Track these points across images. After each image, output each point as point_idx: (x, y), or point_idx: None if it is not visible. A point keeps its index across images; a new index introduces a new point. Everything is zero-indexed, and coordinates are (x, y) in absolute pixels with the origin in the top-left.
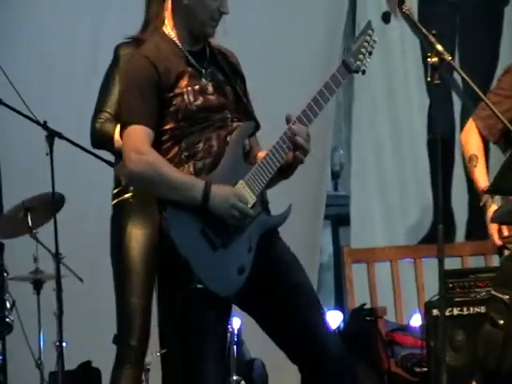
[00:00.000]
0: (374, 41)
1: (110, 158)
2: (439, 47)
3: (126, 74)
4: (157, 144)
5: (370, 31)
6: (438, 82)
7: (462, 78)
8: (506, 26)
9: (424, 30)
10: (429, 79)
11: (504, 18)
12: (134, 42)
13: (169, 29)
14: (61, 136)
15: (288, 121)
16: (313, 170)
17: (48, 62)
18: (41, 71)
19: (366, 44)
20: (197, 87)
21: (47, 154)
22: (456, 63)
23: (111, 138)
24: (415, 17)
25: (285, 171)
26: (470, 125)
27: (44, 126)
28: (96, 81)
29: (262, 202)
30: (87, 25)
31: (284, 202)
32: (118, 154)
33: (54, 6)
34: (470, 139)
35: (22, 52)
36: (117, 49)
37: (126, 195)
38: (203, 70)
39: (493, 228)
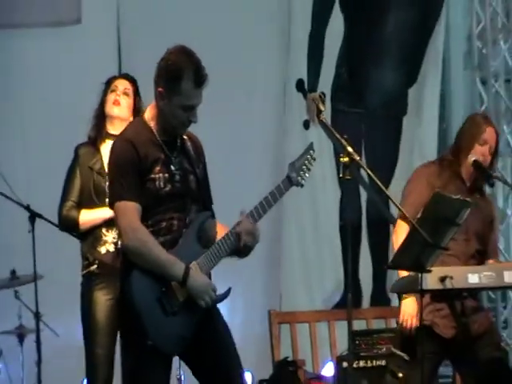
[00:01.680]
0: (314, 159)
1: None
2: (349, 149)
3: (113, 156)
4: None
5: (311, 151)
6: (348, 177)
7: (368, 175)
8: (404, 132)
9: (337, 135)
10: (341, 175)
11: (403, 125)
12: (90, 142)
13: (149, 119)
14: (41, 217)
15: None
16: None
17: (33, 155)
18: (26, 160)
19: (306, 162)
20: (167, 175)
21: (29, 232)
22: (363, 163)
23: (76, 222)
24: (329, 124)
25: (240, 253)
26: (398, 224)
27: (27, 208)
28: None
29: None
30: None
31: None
32: (83, 235)
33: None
34: (398, 234)
35: (9, 141)
36: (77, 149)
37: (92, 267)
38: (173, 158)
39: (410, 315)
